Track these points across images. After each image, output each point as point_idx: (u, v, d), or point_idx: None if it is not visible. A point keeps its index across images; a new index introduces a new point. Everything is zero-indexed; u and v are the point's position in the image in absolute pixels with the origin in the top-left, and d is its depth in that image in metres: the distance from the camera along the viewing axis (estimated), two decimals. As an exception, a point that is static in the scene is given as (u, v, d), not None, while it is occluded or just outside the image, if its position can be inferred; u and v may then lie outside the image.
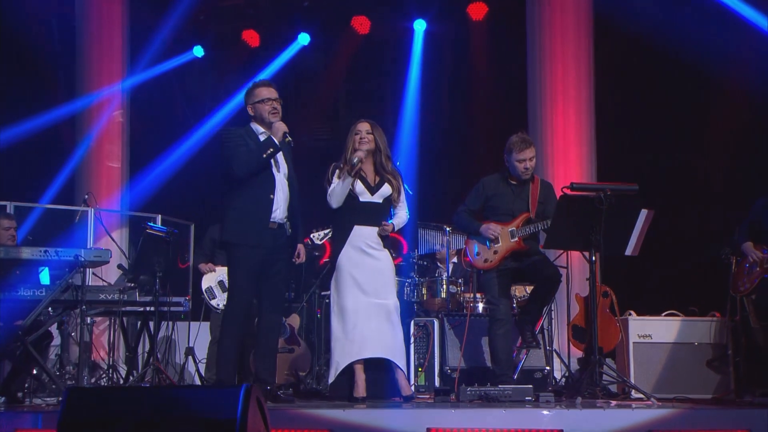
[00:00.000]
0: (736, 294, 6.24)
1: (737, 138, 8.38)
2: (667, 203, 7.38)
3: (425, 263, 7.67)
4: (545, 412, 4.35)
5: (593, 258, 5.47)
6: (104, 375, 7.28)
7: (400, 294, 6.55)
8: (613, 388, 5.80)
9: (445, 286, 7.09)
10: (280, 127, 5.22)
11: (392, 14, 10.22)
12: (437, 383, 6.41)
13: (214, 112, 10.26)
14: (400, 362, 5.41)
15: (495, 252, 5.84)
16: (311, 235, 6.60)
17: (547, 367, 6.70)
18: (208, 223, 7.97)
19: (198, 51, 10.33)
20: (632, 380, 6.15)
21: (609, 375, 5.62)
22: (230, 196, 5.29)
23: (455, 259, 7.67)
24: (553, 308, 6.97)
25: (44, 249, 5.66)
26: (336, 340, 5.39)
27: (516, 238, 5.81)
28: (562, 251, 6.77)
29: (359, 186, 5.41)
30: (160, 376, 6.28)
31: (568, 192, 5.45)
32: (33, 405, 5.76)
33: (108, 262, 6.05)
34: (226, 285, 7.24)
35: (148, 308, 6.45)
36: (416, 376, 6.51)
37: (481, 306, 6.91)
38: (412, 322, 6.65)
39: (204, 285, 7.42)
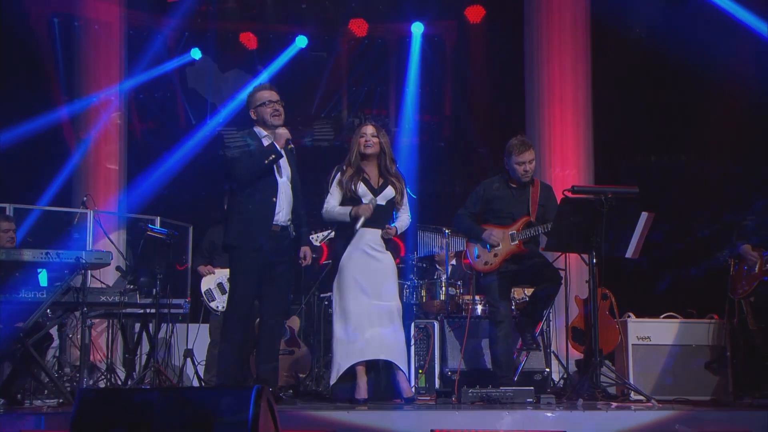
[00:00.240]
0: (735, 296, 6.27)
1: (736, 140, 8.42)
2: (666, 205, 7.41)
3: (424, 265, 7.69)
4: (548, 413, 4.37)
5: (594, 260, 5.50)
6: (102, 377, 7.27)
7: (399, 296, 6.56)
8: (612, 389, 5.83)
9: (444, 288, 7.11)
10: (283, 134, 5.26)
11: (389, 17, 10.24)
12: (437, 385, 6.42)
13: (213, 114, 10.26)
14: (402, 364, 5.42)
15: (495, 255, 5.87)
16: (310, 237, 6.61)
17: (547, 369, 6.72)
18: (206, 226, 7.97)
19: (195, 53, 10.34)
20: (631, 382, 6.18)
21: (609, 377, 5.64)
22: (233, 200, 5.33)
23: (454, 262, 7.69)
24: (551, 310, 6.99)
25: (45, 251, 5.65)
26: (338, 341, 5.39)
27: (516, 241, 5.84)
28: (560, 253, 6.80)
29: (362, 188, 5.43)
30: (161, 377, 6.28)
31: (569, 195, 5.48)
32: (33, 407, 5.77)
33: (109, 264, 6.06)
34: (225, 287, 7.29)
35: (148, 310, 6.44)
36: (417, 378, 6.52)
37: (479, 308, 6.93)
38: (413, 324, 6.66)
39: (203, 287, 7.41)
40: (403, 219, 5.62)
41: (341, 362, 5.34)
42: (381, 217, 5.48)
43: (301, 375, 7.08)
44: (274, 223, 5.25)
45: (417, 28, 10.18)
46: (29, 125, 8.91)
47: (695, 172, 8.90)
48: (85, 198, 7.66)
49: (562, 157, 8.71)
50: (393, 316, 5.41)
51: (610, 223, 5.38)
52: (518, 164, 5.86)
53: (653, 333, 6.61)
